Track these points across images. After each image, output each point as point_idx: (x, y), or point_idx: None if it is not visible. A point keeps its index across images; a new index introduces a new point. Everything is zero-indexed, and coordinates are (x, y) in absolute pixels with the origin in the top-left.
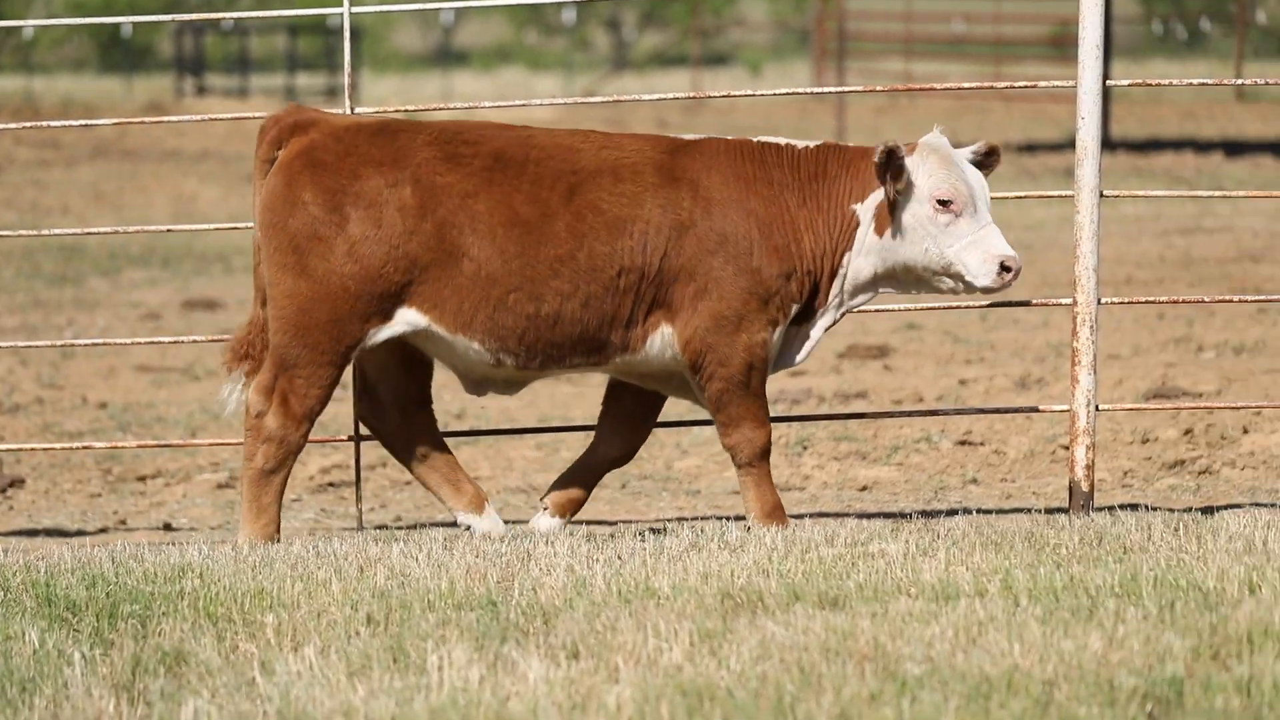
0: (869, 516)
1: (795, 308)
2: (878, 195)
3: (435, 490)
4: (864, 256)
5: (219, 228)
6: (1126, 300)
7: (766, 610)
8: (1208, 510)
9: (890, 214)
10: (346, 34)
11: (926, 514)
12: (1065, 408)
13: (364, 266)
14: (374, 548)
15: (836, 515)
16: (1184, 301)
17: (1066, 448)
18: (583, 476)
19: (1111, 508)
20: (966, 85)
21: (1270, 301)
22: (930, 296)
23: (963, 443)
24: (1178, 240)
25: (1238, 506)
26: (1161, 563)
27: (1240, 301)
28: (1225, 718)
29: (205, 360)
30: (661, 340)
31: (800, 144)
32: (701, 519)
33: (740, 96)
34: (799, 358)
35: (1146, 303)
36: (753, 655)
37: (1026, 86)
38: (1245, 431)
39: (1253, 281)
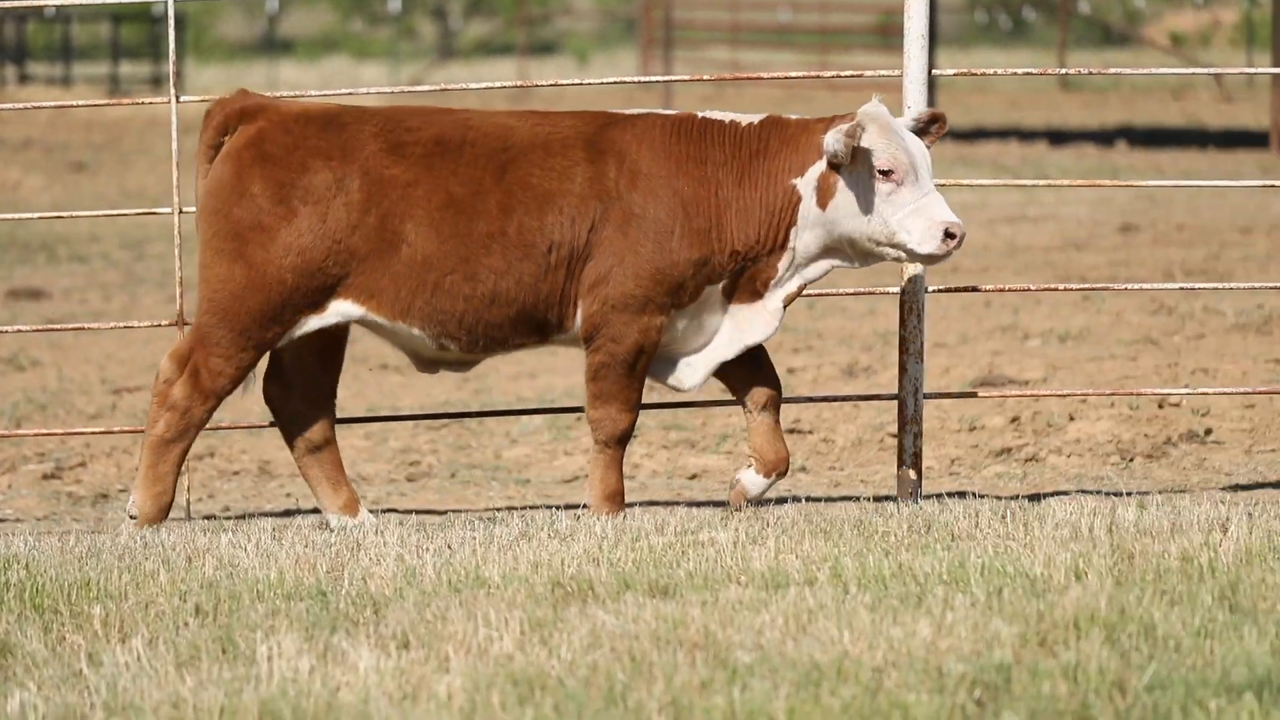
0: (699, 505)
1: (710, 288)
2: (818, 167)
3: (314, 485)
4: (809, 230)
5: (43, 216)
6: (953, 289)
7: (597, 599)
8: (1034, 497)
9: (831, 186)
10: (171, 22)
11: (756, 502)
12: (893, 396)
13: (305, 260)
14: (202, 538)
15: (666, 504)
16: (1010, 290)
17: (894, 436)
18: (770, 430)
19: (939, 495)
20: (793, 74)
21: (1094, 290)
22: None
23: (791, 431)
24: (1003, 229)
25: (1064, 493)
26: (989, 550)
27: (1065, 290)
28: (1052, 703)
29: (30, 350)
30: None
31: (745, 119)
32: (531, 508)
33: (567, 85)
34: (763, 335)
35: (973, 291)
36: (583, 644)
37: (853, 75)
38: (1071, 419)
39: (1077, 270)
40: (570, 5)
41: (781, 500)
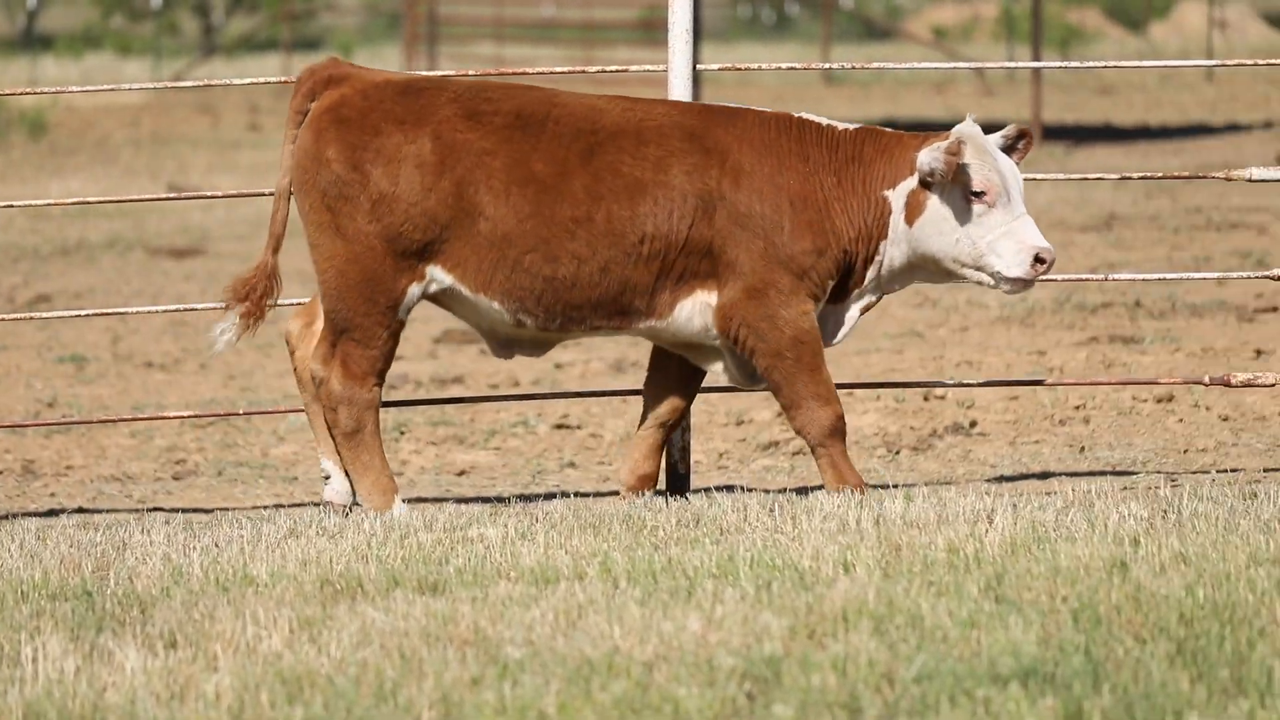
0: (468, 501)
1: (831, 284)
2: (909, 183)
3: (319, 433)
4: (896, 246)
5: None
6: None
7: (366, 596)
8: (802, 491)
9: (920, 204)
10: None
11: (525, 498)
12: None
13: (385, 225)
14: None
15: (435, 500)
16: None
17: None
18: (647, 449)
19: (708, 489)
20: (558, 69)
21: None
22: None
23: (560, 426)
24: None
25: None
26: (758, 543)
27: None
28: (822, 695)
29: None
30: (691, 308)
31: (841, 125)
32: (299, 505)
33: None
34: (835, 339)
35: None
36: (353, 641)
37: (618, 70)
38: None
39: None
40: (334, 1)
41: (551, 496)
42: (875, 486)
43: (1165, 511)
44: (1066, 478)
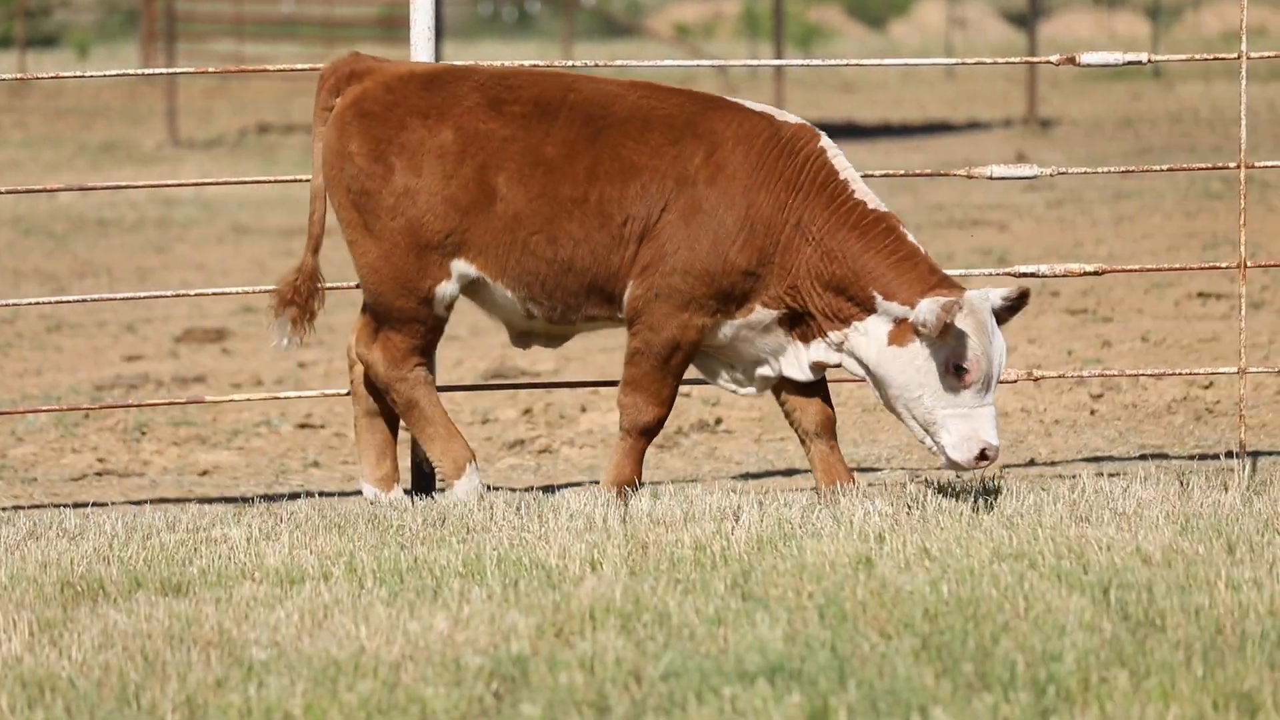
0: (211, 501)
1: (765, 313)
2: (903, 310)
3: (361, 450)
4: (864, 342)
5: None
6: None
7: (108, 598)
8: (549, 489)
9: (903, 336)
10: None
11: (269, 498)
12: None
13: (409, 219)
14: None
15: (178, 501)
16: None
17: (408, 429)
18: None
19: None
20: (299, 66)
21: None
22: (270, 278)
23: (303, 426)
24: None
25: (578, 485)
26: (505, 542)
27: None
28: (570, 694)
29: None
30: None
31: (872, 201)
32: (39, 507)
33: (68, 78)
34: (797, 376)
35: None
36: (95, 644)
37: None
38: (584, 410)
39: None
40: None
41: (295, 495)
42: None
43: (910, 508)
44: (811, 474)
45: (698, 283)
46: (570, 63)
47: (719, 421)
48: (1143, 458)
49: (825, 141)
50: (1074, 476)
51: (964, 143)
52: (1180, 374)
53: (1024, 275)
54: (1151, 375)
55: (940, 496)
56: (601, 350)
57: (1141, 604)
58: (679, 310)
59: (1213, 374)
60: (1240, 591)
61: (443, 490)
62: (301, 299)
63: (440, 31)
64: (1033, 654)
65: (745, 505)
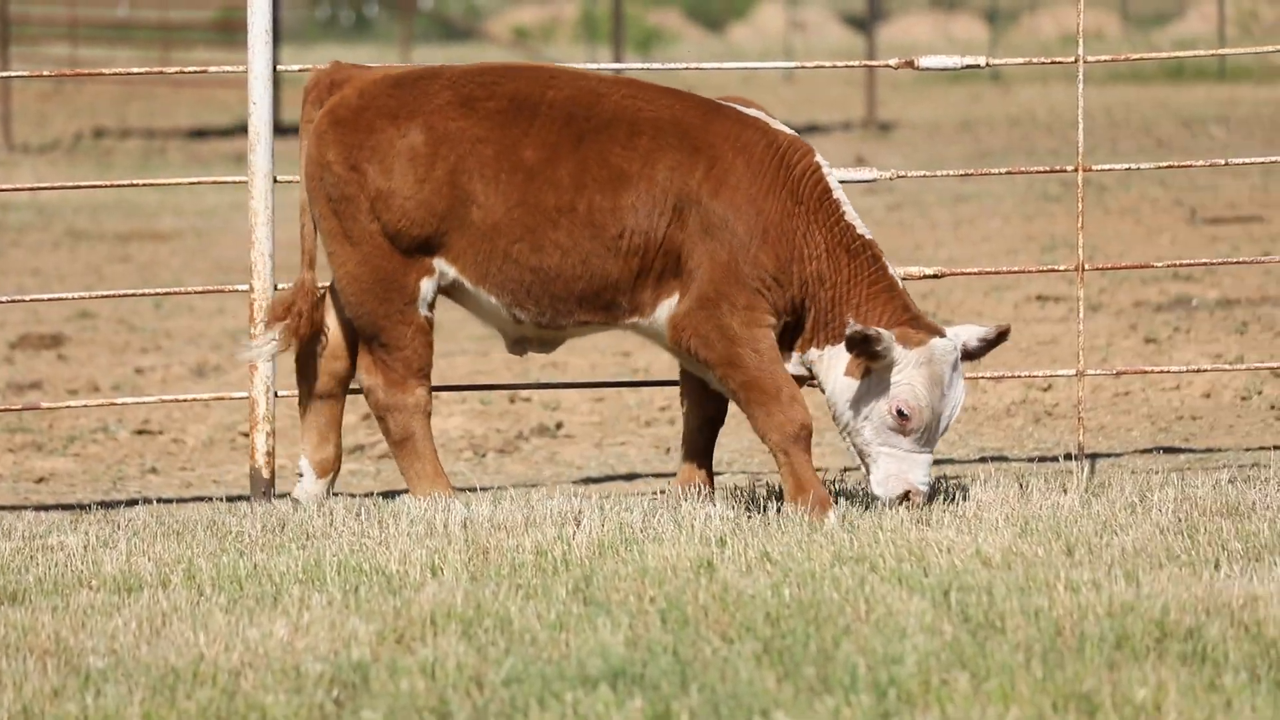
0: (47, 509)
1: (779, 321)
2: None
3: (304, 430)
4: (828, 366)
5: None
6: None
7: None
8: (389, 494)
9: (855, 367)
10: None
11: (106, 505)
12: (245, 395)
13: (385, 222)
14: None
15: (13, 508)
16: None
17: (246, 435)
18: (693, 449)
19: (293, 494)
20: (135, 70)
21: None
22: (106, 284)
23: (141, 432)
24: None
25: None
26: (345, 548)
27: None
28: (411, 700)
29: None
30: (668, 311)
31: (865, 233)
32: None
33: None
34: None
35: (322, 288)
36: None
37: (196, 72)
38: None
39: None
40: None
41: (133, 502)
42: (462, 490)
43: (751, 512)
44: (653, 478)
45: (732, 289)
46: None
47: (560, 426)
48: (982, 460)
49: (819, 157)
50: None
51: None
52: (1019, 376)
53: None
54: (991, 378)
55: (781, 500)
56: (443, 355)
57: (981, 606)
58: (728, 318)
59: (1051, 376)
60: (1079, 593)
61: (288, 495)
62: (295, 314)
63: (278, 35)
64: (874, 657)
65: (586, 510)
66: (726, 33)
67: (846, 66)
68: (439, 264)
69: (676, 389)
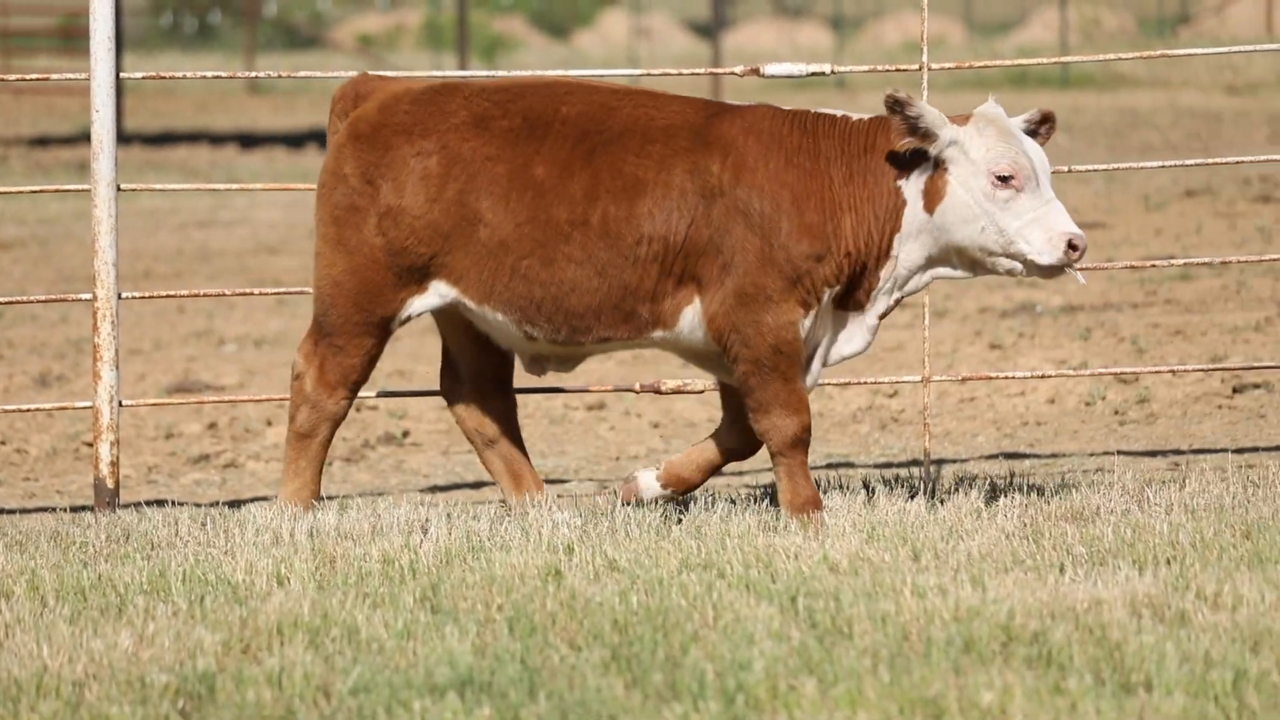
0: None
1: (830, 291)
2: (924, 169)
3: (496, 477)
4: (914, 239)
5: None
6: (146, 295)
7: None
8: (235, 504)
9: (940, 189)
10: None
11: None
12: (88, 404)
13: (390, 239)
14: None
15: None
16: (204, 295)
17: (90, 444)
18: (700, 459)
19: (138, 504)
20: None
21: (289, 294)
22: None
23: None
24: (196, 234)
25: (264, 499)
26: (190, 558)
27: (260, 294)
28: (257, 710)
29: None
30: (692, 317)
31: (857, 116)
32: None
33: None
34: (858, 348)
35: (166, 296)
36: None
37: (38, 79)
38: (269, 424)
39: (271, 273)
40: None
41: None
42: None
43: (598, 519)
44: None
45: (768, 280)
46: (253, 74)
47: (406, 434)
48: (829, 466)
49: (818, 109)
50: (761, 486)
51: None
52: (865, 383)
53: None
54: (837, 384)
55: (628, 507)
56: (287, 364)
57: (829, 612)
58: (763, 314)
59: (897, 382)
60: (925, 598)
61: (130, 506)
62: None
63: (120, 43)
64: (722, 663)
65: (433, 518)
66: (571, 40)
67: (692, 74)
68: (438, 286)
69: (522, 396)
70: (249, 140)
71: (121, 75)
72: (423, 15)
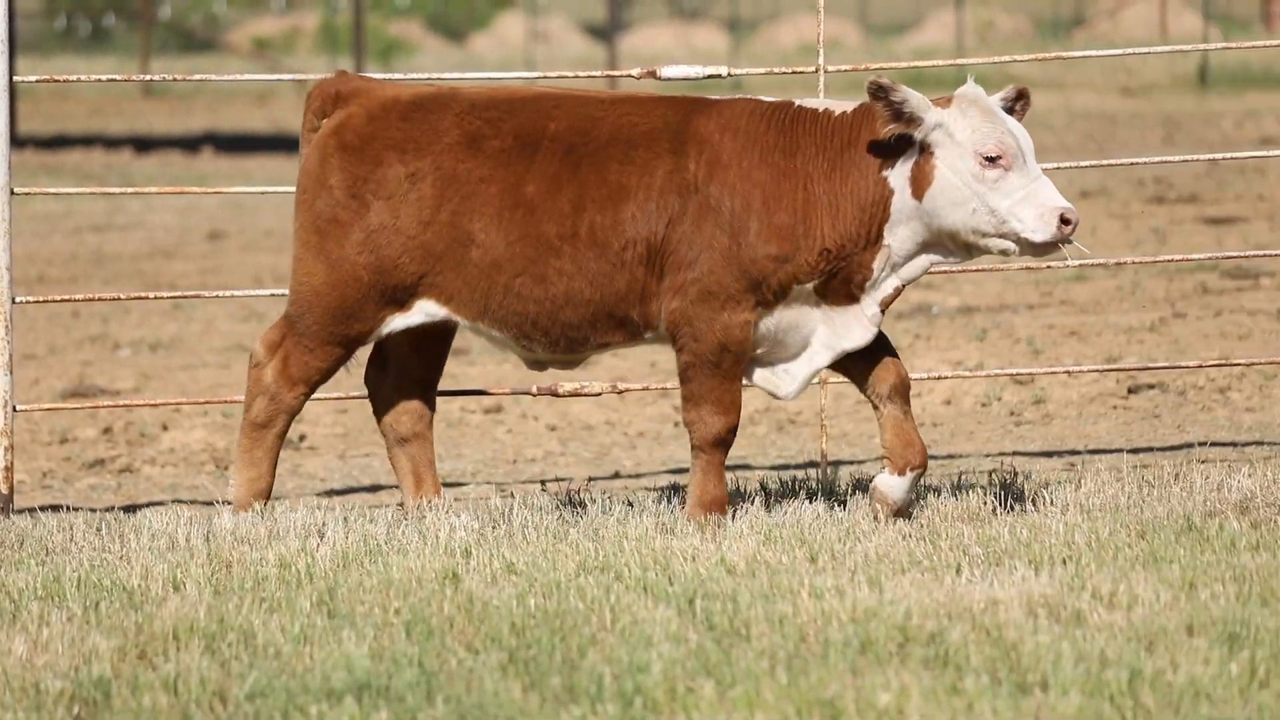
0: None
1: (799, 287)
2: (910, 155)
3: (399, 476)
4: (904, 225)
5: None
6: (41, 299)
7: None
8: (130, 509)
9: (928, 174)
10: None
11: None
12: None
13: (379, 257)
14: None
15: None
16: (99, 299)
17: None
18: (892, 425)
19: (32, 509)
20: None
21: (185, 297)
22: None
23: None
24: (90, 238)
25: (160, 504)
26: (85, 564)
27: (155, 298)
28: (153, 716)
29: None
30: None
31: (840, 108)
32: None
33: None
34: (859, 341)
35: (61, 301)
36: None
37: None
38: (165, 429)
39: (166, 278)
40: None
41: None
42: (204, 503)
43: (496, 522)
44: (397, 490)
45: (728, 279)
46: (148, 77)
47: (303, 438)
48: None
49: (800, 101)
50: (659, 489)
51: None
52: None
53: None
54: None
55: (526, 510)
56: (184, 368)
57: (726, 614)
58: (718, 312)
59: None
60: (823, 599)
61: (25, 511)
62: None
63: (14, 46)
64: (620, 666)
65: (330, 522)
66: (468, 43)
67: (589, 76)
68: (424, 305)
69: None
70: (144, 144)
71: (15, 79)
72: (319, 19)
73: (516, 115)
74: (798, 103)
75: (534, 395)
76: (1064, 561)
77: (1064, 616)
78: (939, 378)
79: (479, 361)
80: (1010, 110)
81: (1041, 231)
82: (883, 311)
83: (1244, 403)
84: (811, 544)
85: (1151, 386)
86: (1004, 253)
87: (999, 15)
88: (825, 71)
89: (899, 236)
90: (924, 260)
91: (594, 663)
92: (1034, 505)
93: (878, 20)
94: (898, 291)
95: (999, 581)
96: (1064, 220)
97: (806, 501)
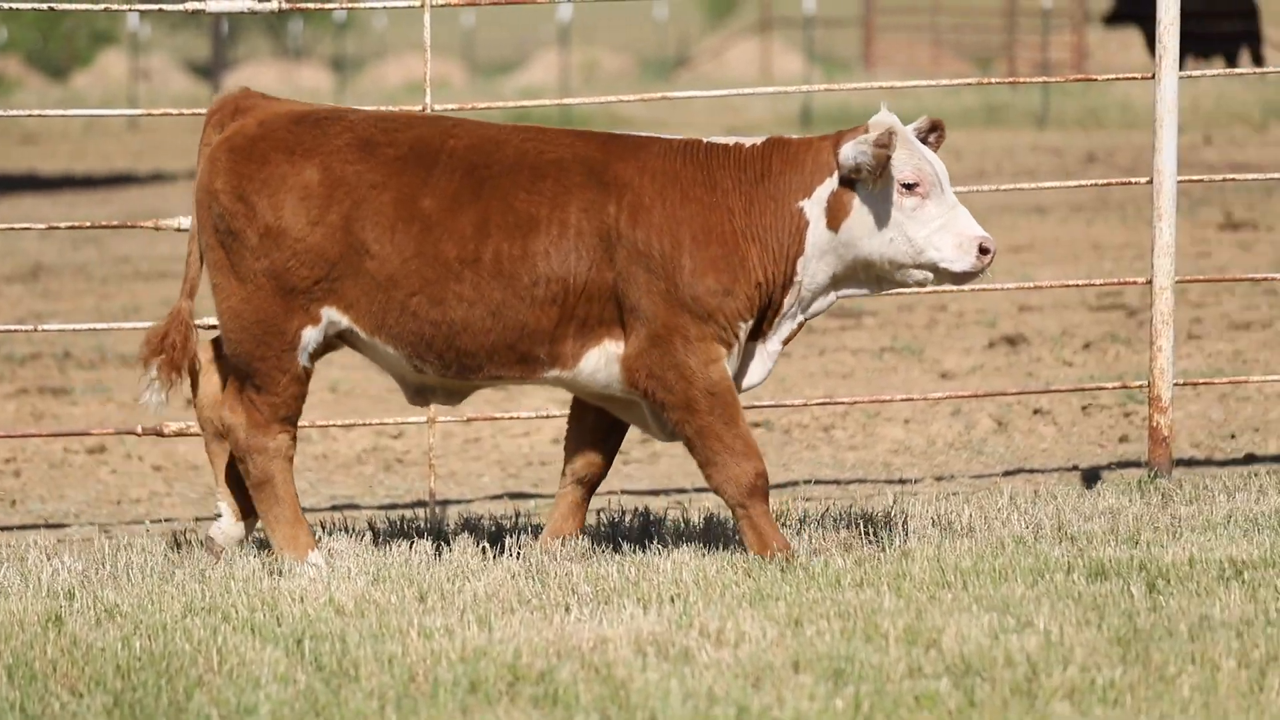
0: None
1: (746, 325)
2: (827, 186)
3: (216, 471)
4: (818, 259)
5: None
6: None
7: None
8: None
9: (844, 205)
10: None
11: None
12: None
13: (272, 260)
14: None
15: None
16: None
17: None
18: (569, 505)
19: None
20: None
21: None
22: None
23: None
24: None
25: None
26: None
27: None
28: None
29: None
30: (598, 359)
31: (749, 141)
32: None
33: None
34: (757, 379)
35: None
36: None
37: None
38: None
39: None
40: None
41: None
42: None
43: (100, 564)
44: (1, 532)
45: (678, 321)
46: None
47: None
48: (334, 509)
49: (709, 138)
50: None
51: (149, 194)
52: (370, 424)
53: None
54: (341, 426)
55: (131, 552)
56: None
57: (335, 654)
58: (681, 357)
59: (402, 423)
60: (432, 639)
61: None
62: (171, 347)
63: None
64: (227, 708)
65: None
66: (70, 80)
67: (193, 114)
68: (328, 312)
69: (20, 440)
70: None
71: None
72: None
73: (414, 128)
74: (706, 140)
75: (139, 435)
76: (672, 599)
77: (672, 654)
78: (546, 417)
79: (82, 401)
80: (924, 140)
81: (961, 261)
82: (782, 347)
83: (847, 441)
84: (420, 583)
85: (757, 425)
86: (920, 284)
87: (604, 55)
88: (432, 110)
89: (812, 270)
90: (832, 295)
91: (201, 705)
92: (642, 543)
93: (483, 60)
94: (799, 328)
95: (608, 620)
96: (982, 250)
97: (415, 541)
